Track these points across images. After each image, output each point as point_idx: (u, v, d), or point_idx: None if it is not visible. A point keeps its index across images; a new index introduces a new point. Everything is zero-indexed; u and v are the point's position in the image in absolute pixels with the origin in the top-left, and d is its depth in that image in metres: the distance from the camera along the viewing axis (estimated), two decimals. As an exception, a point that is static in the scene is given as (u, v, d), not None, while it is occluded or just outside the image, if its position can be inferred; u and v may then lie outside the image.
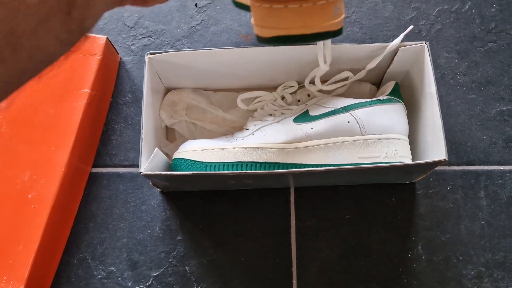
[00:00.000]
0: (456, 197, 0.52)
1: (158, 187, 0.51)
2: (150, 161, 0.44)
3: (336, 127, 0.46)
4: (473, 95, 0.56)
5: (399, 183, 0.53)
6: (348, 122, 0.46)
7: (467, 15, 0.60)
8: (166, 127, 0.55)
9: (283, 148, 0.45)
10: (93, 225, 0.52)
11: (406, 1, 0.61)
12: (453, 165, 0.54)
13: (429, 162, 0.43)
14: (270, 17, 0.36)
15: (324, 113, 0.47)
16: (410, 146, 0.49)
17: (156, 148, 0.44)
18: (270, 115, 0.51)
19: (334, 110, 0.47)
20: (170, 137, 0.55)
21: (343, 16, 0.38)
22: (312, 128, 0.46)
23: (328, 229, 0.51)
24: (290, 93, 0.53)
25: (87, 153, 0.54)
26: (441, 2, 0.61)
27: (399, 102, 0.48)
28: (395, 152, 0.46)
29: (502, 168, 0.53)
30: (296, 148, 0.45)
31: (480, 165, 0.54)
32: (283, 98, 0.53)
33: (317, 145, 0.46)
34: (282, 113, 0.50)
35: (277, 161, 0.45)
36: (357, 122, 0.46)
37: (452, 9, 0.60)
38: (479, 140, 0.54)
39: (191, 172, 0.44)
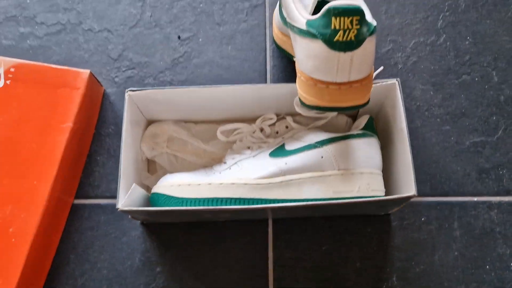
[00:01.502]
0: (431, 228, 0.53)
1: (138, 220, 0.52)
2: (127, 197, 0.45)
3: (310, 162, 0.47)
4: (448, 127, 0.58)
5: (375, 214, 0.54)
6: (322, 157, 0.47)
7: (442, 47, 0.62)
8: (147, 159, 0.56)
9: (257, 184, 0.46)
10: (74, 256, 0.53)
11: (383, 34, 0.62)
12: (428, 196, 0.55)
13: (398, 198, 0.44)
14: (313, 91, 0.42)
15: (299, 148, 0.49)
16: (384, 179, 0.50)
17: (134, 184, 0.46)
18: (248, 147, 0.52)
19: (308, 145, 0.48)
20: (151, 169, 0.56)
21: (370, 91, 0.44)
22: (286, 163, 0.47)
23: (305, 261, 0.52)
24: (269, 125, 0.55)
25: (69, 185, 0.55)
26: (417, 35, 0.62)
27: (373, 136, 0.50)
28: (367, 186, 0.47)
29: (475, 199, 0.55)
30: (270, 183, 0.47)
31: (454, 196, 0.55)
32: (262, 130, 0.54)
33: (291, 180, 0.47)
34: (260, 147, 0.52)
35: (251, 196, 0.46)
36: (331, 157, 0.47)
37: (428, 42, 0.62)
38: (453, 172, 0.56)
39: (167, 208, 0.45)
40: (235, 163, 0.50)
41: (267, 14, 0.64)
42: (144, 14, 0.64)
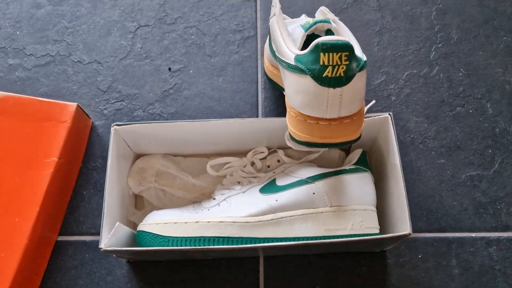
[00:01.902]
0: (428, 266, 0.52)
1: (123, 258, 0.50)
2: (111, 236, 0.43)
3: (302, 198, 0.46)
4: (443, 160, 0.57)
5: (370, 251, 0.52)
6: (314, 193, 0.46)
7: (435, 79, 0.61)
8: (135, 194, 0.55)
9: (246, 222, 0.45)
10: (56, 297, 0.50)
11: (376, 66, 0.62)
12: (424, 232, 0.53)
13: (393, 237, 0.43)
14: (303, 127, 0.41)
15: (290, 183, 0.47)
16: (378, 215, 0.48)
17: (118, 223, 0.44)
18: (238, 182, 0.51)
19: (300, 180, 0.47)
20: (138, 204, 0.54)
21: (362, 127, 0.43)
22: (276, 200, 0.46)
23: (298, 300, 0.50)
24: (260, 159, 0.53)
25: (53, 222, 0.53)
26: (410, 66, 0.62)
27: (366, 171, 0.48)
28: (361, 223, 0.45)
29: (473, 235, 0.53)
30: (259, 221, 0.45)
31: (451, 231, 0.53)
32: (253, 164, 0.53)
33: (281, 217, 0.45)
34: (250, 182, 0.50)
35: (240, 235, 0.44)
36: (323, 193, 0.46)
37: (421, 74, 0.61)
38: (450, 206, 0.54)
39: (151, 248, 0.43)
40: (224, 199, 0.48)
41: (259, 46, 0.63)
42: (135, 45, 0.63)
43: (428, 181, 0.55)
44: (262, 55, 0.62)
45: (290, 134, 0.44)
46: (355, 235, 0.45)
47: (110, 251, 0.43)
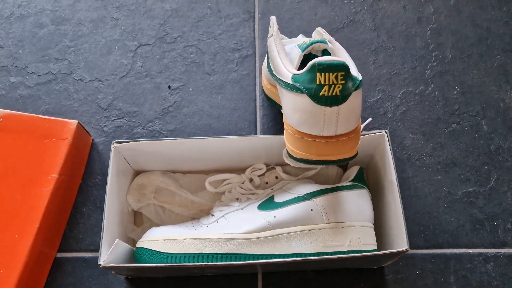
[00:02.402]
0: (426, 282, 0.52)
1: (122, 275, 0.50)
2: (110, 252, 0.43)
3: (299, 215, 0.46)
4: (439, 177, 0.57)
5: (368, 268, 0.52)
6: (311, 210, 0.46)
7: (430, 97, 0.62)
8: (134, 211, 0.55)
9: (244, 239, 0.45)
10: (54, 314, 0.50)
11: (372, 84, 0.63)
12: (422, 248, 0.53)
13: (390, 253, 0.43)
14: (300, 144, 0.42)
15: (288, 200, 0.48)
16: (376, 232, 0.49)
17: (117, 239, 0.44)
18: (237, 199, 0.51)
19: (298, 197, 0.47)
20: (137, 221, 0.55)
21: (359, 145, 0.43)
22: (275, 216, 0.46)
23: (296, 318, 0.50)
24: (258, 176, 0.54)
25: (52, 239, 0.53)
26: (405, 84, 0.63)
27: (363, 187, 0.49)
28: (358, 240, 0.46)
29: (470, 251, 0.53)
30: (258, 238, 0.45)
31: (448, 248, 0.53)
32: (251, 180, 0.54)
33: (279, 234, 0.46)
34: (248, 198, 0.51)
35: (238, 252, 0.45)
36: (320, 209, 0.46)
37: (416, 91, 0.62)
38: (447, 223, 0.55)
39: (149, 265, 0.44)
40: (223, 216, 0.49)
41: (257, 64, 0.64)
42: (135, 64, 0.65)
43: (425, 198, 0.56)
44: (260, 73, 0.64)
45: (287, 151, 0.45)
46: (352, 252, 0.45)
47: (109, 268, 0.43)
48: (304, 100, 0.39)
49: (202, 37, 0.66)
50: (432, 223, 0.55)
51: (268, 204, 0.48)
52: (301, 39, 0.49)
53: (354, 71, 0.41)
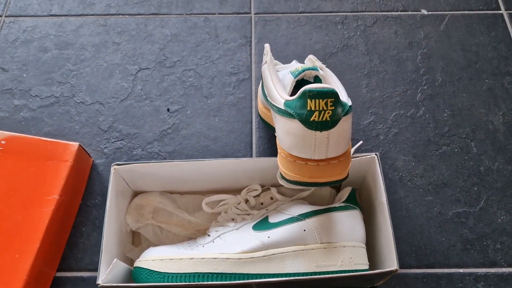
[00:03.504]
0: (418, 301, 0.53)
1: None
2: (108, 272, 0.44)
3: (293, 235, 0.47)
4: (430, 197, 0.59)
5: (361, 287, 0.53)
6: (305, 230, 0.48)
7: (421, 119, 0.64)
8: (132, 231, 0.56)
9: (239, 259, 0.46)
10: (52, 333, 0.51)
11: (365, 107, 0.65)
12: (414, 268, 0.55)
13: (380, 273, 0.44)
14: (293, 167, 0.44)
15: (282, 221, 0.49)
16: (368, 251, 0.50)
17: (115, 259, 0.45)
18: (232, 219, 0.53)
19: (291, 217, 0.49)
20: (135, 241, 0.56)
21: (349, 167, 0.45)
22: (269, 237, 0.48)
23: (290, 337, 0.51)
24: (254, 196, 0.55)
25: (52, 258, 0.54)
26: (397, 107, 0.65)
27: (355, 208, 0.50)
28: (350, 260, 0.47)
29: (461, 270, 0.54)
30: (252, 258, 0.47)
31: (440, 267, 0.55)
32: (246, 201, 0.55)
33: (273, 254, 0.47)
34: (244, 218, 0.52)
35: (233, 271, 0.46)
36: (313, 230, 0.48)
37: (408, 114, 0.64)
38: (438, 243, 0.56)
39: (149, 284, 0.45)
40: (219, 236, 0.50)
41: (253, 87, 0.66)
42: (135, 87, 0.67)
43: (417, 218, 0.57)
44: (256, 96, 0.66)
45: (281, 173, 0.46)
46: (344, 271, 0.46)
47: (107, 287, 0.44)
48: (295, 125, 0.41)
49: (201, 61, 0.69)
50: (423, 243, 0.56)
51: (262, 224, 0.49)
52: (295, 65, 0.51)
53: (344, 97, 0.43)
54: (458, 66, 0.68)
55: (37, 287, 0.51)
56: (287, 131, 0.42)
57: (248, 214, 0.53)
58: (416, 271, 0.54)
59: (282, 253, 0.47)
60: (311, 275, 0.46)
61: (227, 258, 0.46)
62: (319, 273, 0.46)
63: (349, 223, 0.49)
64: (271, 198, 0.55)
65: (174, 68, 0.68)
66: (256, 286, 0.51)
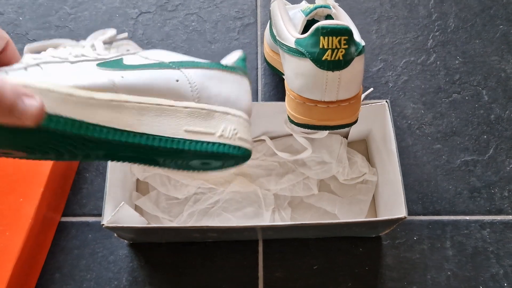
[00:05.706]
0: (423, 247, 0.53)
1: (125, 239, 0.51)
2: (114, 215, 0.44)
3: (159, 83, 0.32)
4: (439, 145, 0.58)
5: (366, 236, 0.53)
6: (177, 80, 0.33)
7: (432, 67, 0.62)
8: (137, 179, 0.56)
9: (70, 95, 0.28)
10: (59, 276, 0.52)
11: (374, 53, 0.63)
12: (419, 215, 0.54)
13: (389, 220, 0.44)
14: (302, 110, 0.42)
15: (144, 64, 0.33)
16: (375, 199, 0.49)
17: (123, 203, 0.45)
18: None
19: (160, 63, 0.33)
20: (141, 189, 0.55)
21: (359, 111, 0.44)
22: (123, 77, 0.31)
23: (296, 280, 0.51)
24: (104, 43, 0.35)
25: (56, 203, 0.54)
26: (407, 54, 0.63)
27: (244, 74, 0.38)
28: (234, 131, 0.34)
29: (467, 218, 0.54)
30: (91, 99, 0.29)
31: (446, 215, 0.54)
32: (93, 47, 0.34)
33: (126, 101, 0.31)
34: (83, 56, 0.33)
35: (57, 113, 0.28)
36: (189, 83, 0.33)
37: (418, 61, 0.62)
38: (445, 190, 0.55)
39: (153, 226, 0.44)
40: (37, 64, 0.31)
41: (259, 32, 0.64)
42: (136, 32, 0.64)
43: (424, 166, 0.57)
44: (262, 42, 0.63)
45: (288, 116, 0.45)
46: (224, 145, 0.33)
47: (112, 228, 0.44)
48: (306, 64, 0.39)
49: (204, 5, 0.66)
50: (430, 190, 0.56)
51: (114, 63, 0.32)
52: (305, 4, 0.49)
53: (357, 36, 0.41)
54: (472, 11, 0.65)
55: (42, 231, 0.51)
56: (297, 72, 0.41)
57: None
58: (421, 218, 0.54)
59: (139, 103, 0.31)
60: (178, 141, 0.32)
61: (49, 90, 0.28)
62: (190, 141, 0.32)
63: (236, 88, 0.36)
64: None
65: (176, 12, 0.65)
66: (261, 231, 0.51)
